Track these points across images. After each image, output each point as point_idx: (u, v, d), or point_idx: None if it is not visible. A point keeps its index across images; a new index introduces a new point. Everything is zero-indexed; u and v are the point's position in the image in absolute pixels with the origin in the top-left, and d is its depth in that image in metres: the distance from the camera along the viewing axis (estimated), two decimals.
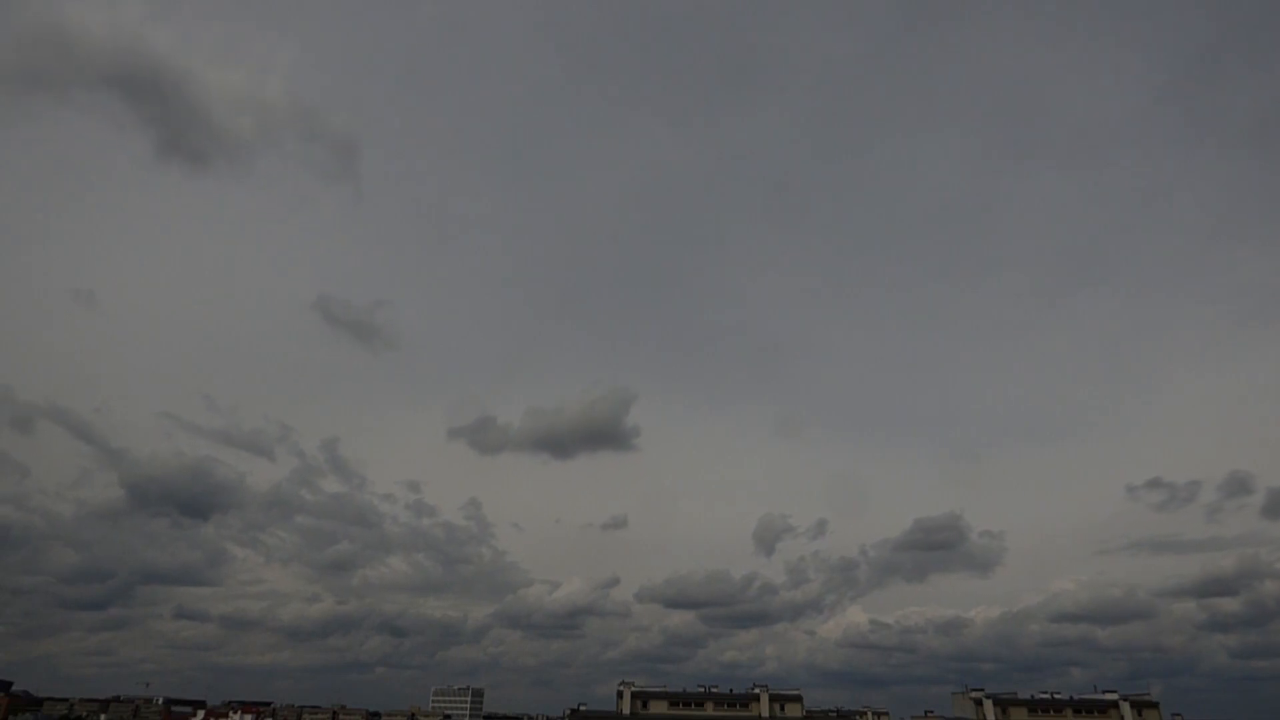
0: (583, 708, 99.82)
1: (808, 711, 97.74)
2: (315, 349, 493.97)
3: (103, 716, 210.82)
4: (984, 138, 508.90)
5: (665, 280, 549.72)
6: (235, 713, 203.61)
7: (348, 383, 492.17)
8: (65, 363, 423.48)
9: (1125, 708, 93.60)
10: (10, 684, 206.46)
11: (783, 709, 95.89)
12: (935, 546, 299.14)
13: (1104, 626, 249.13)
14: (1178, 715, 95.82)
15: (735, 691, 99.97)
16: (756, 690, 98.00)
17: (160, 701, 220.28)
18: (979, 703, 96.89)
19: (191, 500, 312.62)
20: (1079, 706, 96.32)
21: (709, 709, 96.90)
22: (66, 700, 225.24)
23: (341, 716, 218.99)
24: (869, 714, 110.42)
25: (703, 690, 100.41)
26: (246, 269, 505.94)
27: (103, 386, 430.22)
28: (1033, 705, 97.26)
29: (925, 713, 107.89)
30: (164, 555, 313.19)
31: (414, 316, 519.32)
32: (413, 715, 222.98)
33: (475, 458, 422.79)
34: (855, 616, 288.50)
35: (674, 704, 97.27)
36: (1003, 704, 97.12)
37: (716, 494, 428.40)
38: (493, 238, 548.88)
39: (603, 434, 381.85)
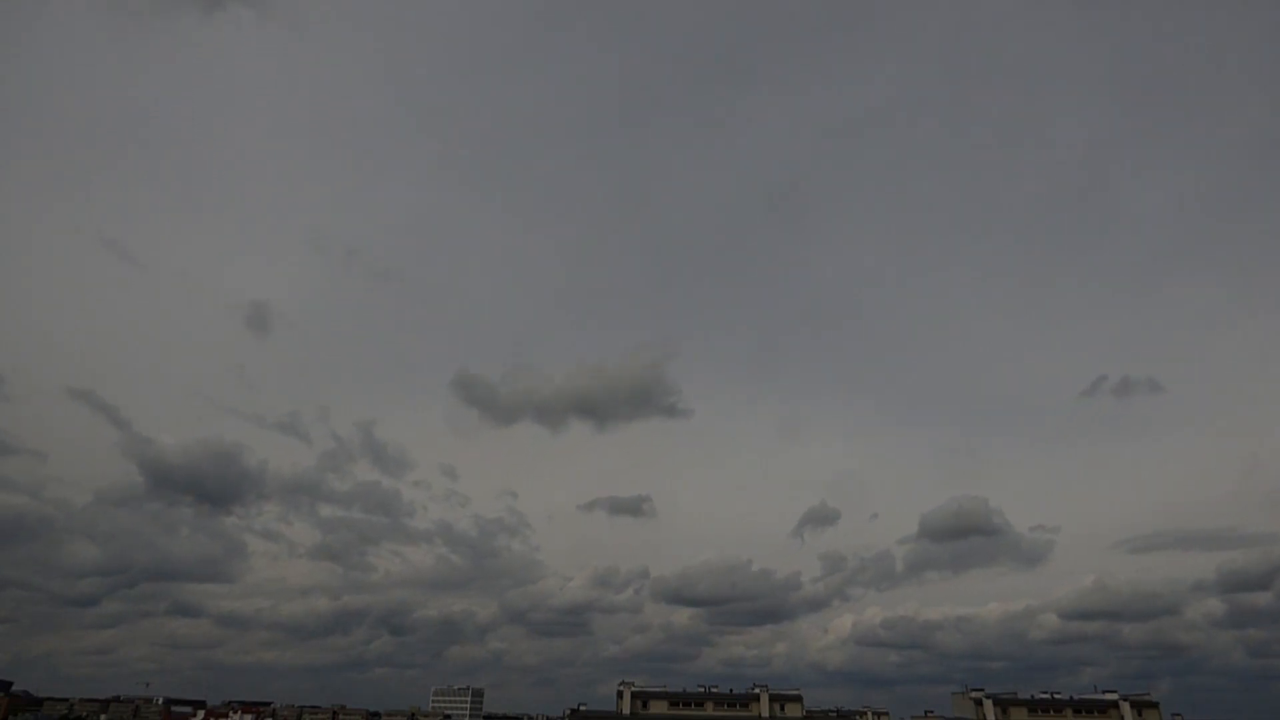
0: (583, 708, 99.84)
1: (808, 711, 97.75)
2: (353, 313, 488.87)
3: (103, 717, 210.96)
4: (1099, 114, 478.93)
5: (735, 251, 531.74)
6: (235, 713, 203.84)
7: (386, 354, 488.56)
8: (93, 334, 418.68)
9: (1125, 708, 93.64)
10: (10, 684, 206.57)
11: (783, 709, 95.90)
12: (973, 539, 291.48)
13: (1129, 623, 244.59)
14: (1178, 715, 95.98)
15: (735, 691, 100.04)
16: (756, 690, 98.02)
17: (160, 701, 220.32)
18: (979, 703, 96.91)
19: (210, 489, 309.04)
20: (1079, 706, 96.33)
21: (709, 709, 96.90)
22: (66, 700, 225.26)
23: (341, 716, 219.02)
24: (869, 714, 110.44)
25: (703, 690, 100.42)
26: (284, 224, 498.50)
27: (130, 362, 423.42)
28: (1033, 705, 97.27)
29: (925, 713, 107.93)
30: (176, 550, 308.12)
31: (468, 287, 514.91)
32: (412, 715, 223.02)
33: (510, 432, 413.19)
34: (874, 613, 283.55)
35: (674, 704, 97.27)
36: (1003, 704, 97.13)
37: (747, 479, 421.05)
38: (551, 201, 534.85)
39: (645, 403, 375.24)
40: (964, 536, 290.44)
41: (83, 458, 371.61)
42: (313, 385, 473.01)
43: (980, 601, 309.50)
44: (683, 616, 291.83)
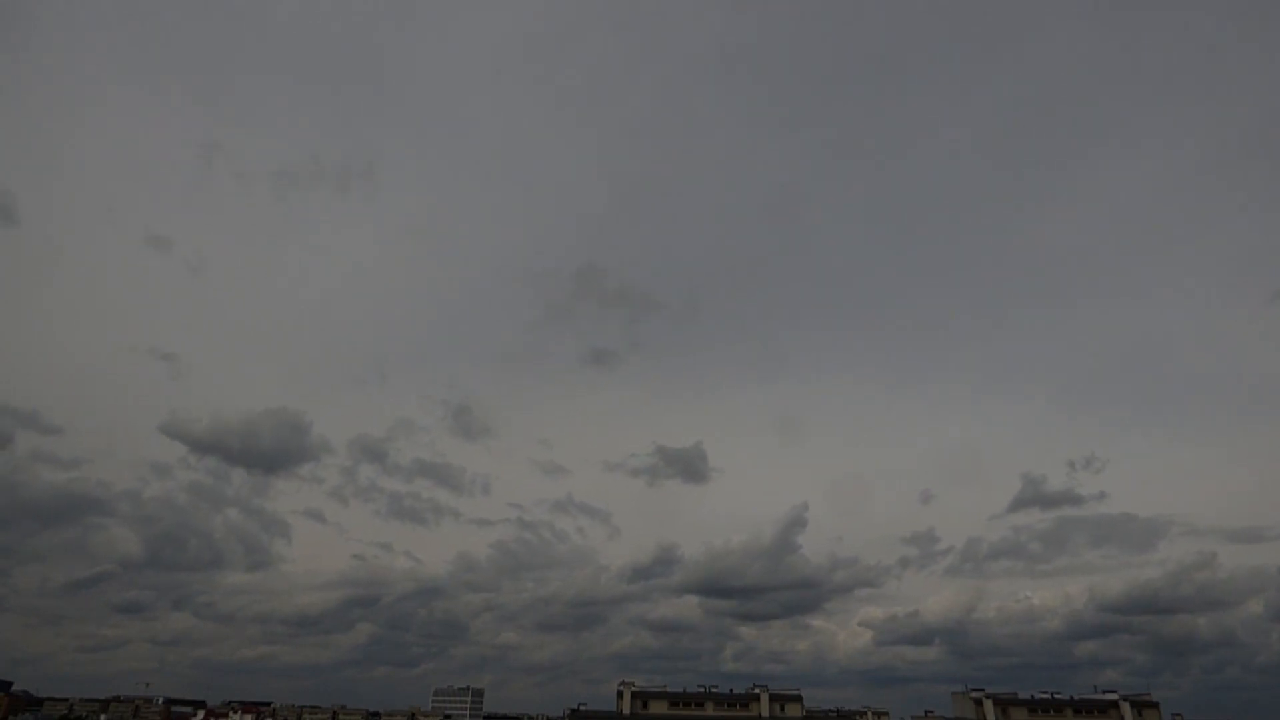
0: (583, 707, 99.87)
1: (808, 711, 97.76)
2: (441, 263, 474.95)
3: (103, 717, 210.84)
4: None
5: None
6: (235, 712, 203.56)
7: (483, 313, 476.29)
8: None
9: (1125, 707, 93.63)
10: (10, 684, 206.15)
11: (783, 709, 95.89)
12: (1070, 524, 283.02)
13: (1180, 616, 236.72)
14: (1178, 715, 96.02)
15: (735, 691, 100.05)
16: (756, 690, 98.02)
17: (160, 701, 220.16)
18: (979, 702, 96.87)
19: (262, 461, 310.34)
20: (1079, 706, 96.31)
21: (709, 709, 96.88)
22: (66, 700, 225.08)
23: (341, 716, 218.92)
24: (869, 714, 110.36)
25: (703, 690, 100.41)
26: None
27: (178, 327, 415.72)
28: (1033, 705, 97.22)
29: (925, 712, 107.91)
30: (212, 540, 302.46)
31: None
32: (413, 715, 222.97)
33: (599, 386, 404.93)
34: (894, 609, 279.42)
35: (674, 704, 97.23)
36: (1003, 704, 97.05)
37: (834, 457, 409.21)
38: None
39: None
40: (1060, 523, 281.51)
41: (125, 428, 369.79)
42: (393, 342, 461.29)
43: (1051, 590, 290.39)
44: (701, 611, 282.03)
